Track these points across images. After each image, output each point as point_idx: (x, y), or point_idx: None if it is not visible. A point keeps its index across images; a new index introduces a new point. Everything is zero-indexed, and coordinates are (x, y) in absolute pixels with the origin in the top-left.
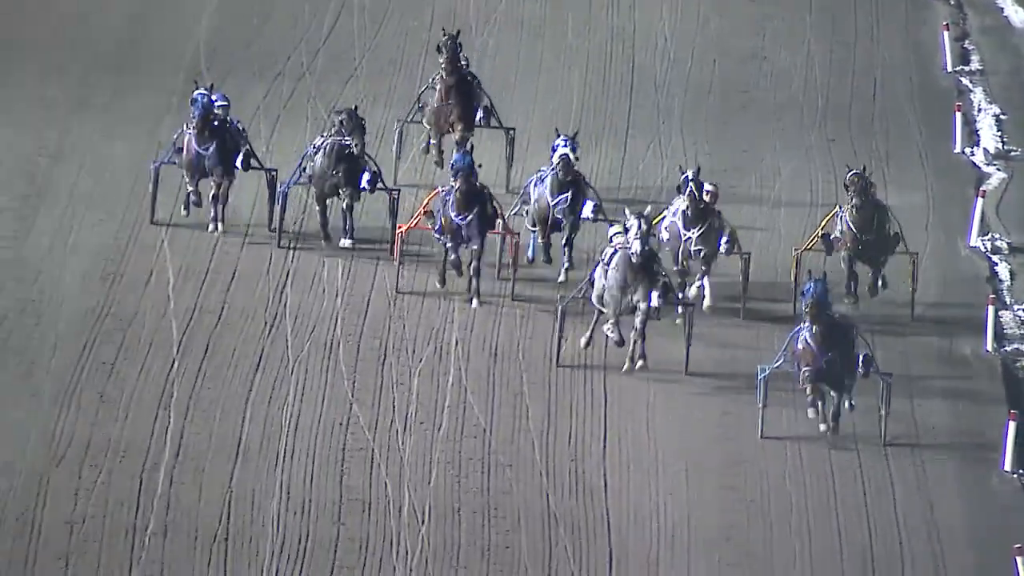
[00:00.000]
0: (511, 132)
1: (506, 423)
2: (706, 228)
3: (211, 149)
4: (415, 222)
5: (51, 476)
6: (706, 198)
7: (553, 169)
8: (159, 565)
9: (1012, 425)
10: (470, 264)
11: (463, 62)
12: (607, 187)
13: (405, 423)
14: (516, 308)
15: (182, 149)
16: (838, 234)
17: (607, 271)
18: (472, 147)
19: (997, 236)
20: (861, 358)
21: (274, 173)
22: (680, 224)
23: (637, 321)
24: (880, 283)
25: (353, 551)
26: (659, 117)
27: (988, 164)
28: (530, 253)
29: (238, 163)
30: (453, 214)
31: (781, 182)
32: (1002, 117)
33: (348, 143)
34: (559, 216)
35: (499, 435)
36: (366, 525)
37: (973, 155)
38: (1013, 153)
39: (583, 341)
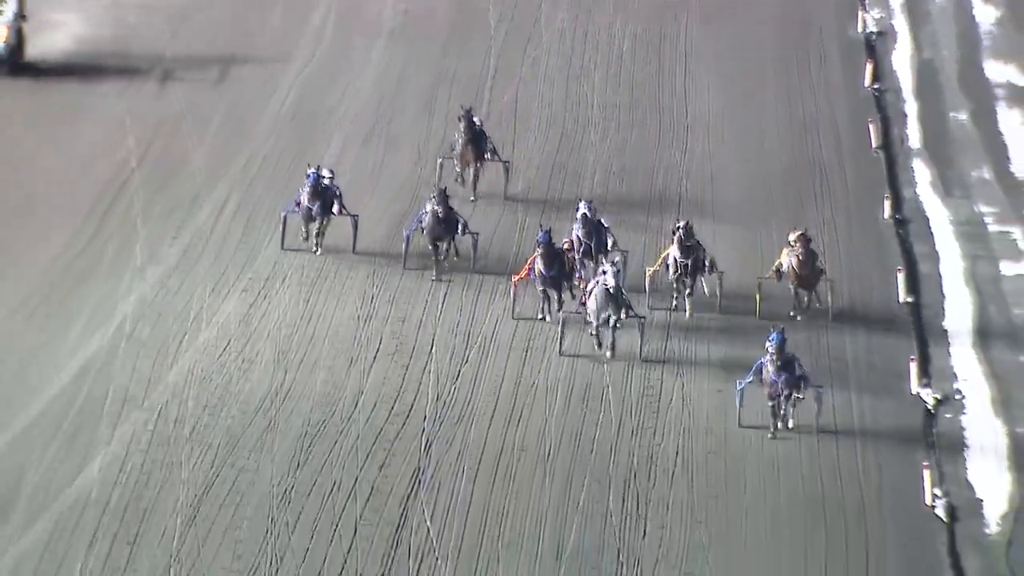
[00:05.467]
0: (507, 163)
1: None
2: (694, 257)
3: (316, 204)
4: (524, 273)
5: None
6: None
7: (578, 222)
8: None
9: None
10: (558, 299)
11: (478, 122)
12: (650, 15)
13: None
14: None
15: (299, 203)
16: (785, 269)
17: (591, 296)
18: (551, 230)
19: (873, 27)
20: (802, 378)
21: (356, 217)
22: (676, 255)
23: (610, 331)
24: (814, 300)
25: None
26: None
27: None
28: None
29: (334, 210)
30: (543, 269)
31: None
32: None
33: (438, 208)
34: (589, 249)
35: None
36: None
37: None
38: None
39: (560, 348)
